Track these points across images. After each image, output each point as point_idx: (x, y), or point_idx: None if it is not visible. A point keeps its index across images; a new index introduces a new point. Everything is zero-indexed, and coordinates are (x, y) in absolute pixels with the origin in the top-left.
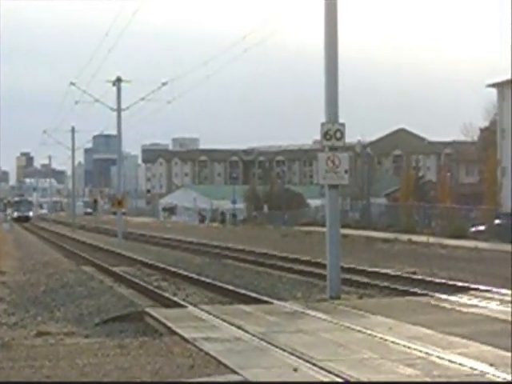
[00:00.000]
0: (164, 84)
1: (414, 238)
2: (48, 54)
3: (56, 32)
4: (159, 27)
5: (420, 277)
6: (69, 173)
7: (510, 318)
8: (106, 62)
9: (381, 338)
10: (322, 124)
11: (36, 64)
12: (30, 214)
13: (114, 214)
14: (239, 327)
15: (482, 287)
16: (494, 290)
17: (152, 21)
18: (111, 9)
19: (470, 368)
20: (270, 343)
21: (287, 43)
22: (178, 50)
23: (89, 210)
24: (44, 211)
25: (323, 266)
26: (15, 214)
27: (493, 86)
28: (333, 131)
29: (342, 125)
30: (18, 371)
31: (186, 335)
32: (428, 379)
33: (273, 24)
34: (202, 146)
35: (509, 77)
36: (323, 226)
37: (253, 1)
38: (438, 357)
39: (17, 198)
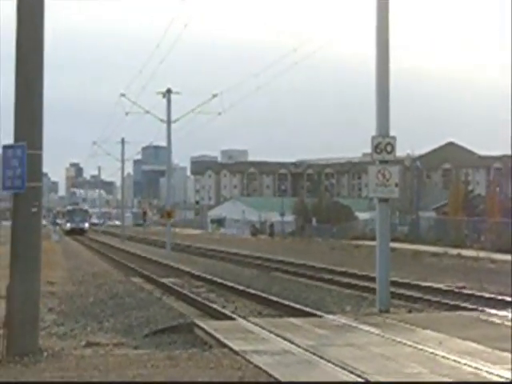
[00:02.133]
0: (214, 96)
1: (464, 252)
2: (99, 65)
3: (107, 43)
4: (210, 39)
5: (469, 291)
6: (118, 184)
7: None
8: (157, 74)
9: (430, 353)
10: (373, 137)
11: (87, 75)
12: (86, 225)
13: (163, 225)
14: (288, 340)
15: None
16: None
17: (203, 32)
18: (163, 19)
19: None
20: (319, 356)
21: (338, 55)
22: (229, 61)
23: (139, 222)
24: (95, 221)
25: (372, 280)
26: (68, 226)
27: None
28: (383, 144)
29: (393, 138)
30: (67, 382)
31: (235, 347)
32: None
33: (324, 36)
34: (250, 158)
35: None
36: (372, 239)
37: (305, 13)
38: (488, 372)
39: (70, 207)
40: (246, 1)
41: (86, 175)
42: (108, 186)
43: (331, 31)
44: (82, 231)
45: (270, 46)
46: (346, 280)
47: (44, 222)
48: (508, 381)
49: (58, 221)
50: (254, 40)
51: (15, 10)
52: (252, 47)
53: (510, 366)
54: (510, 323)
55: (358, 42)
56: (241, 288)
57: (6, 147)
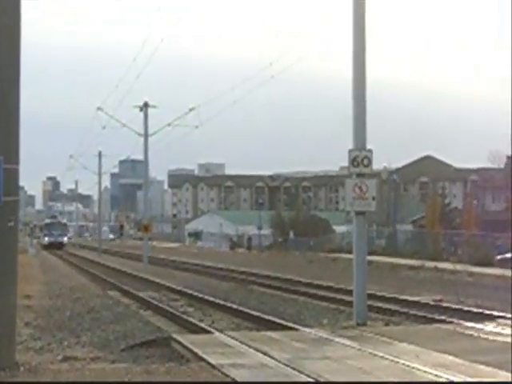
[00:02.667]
0: (191, 109)
1: (441, 265)
2: (75, 79)
3: (83, 56)
4: (186, 53)
5: (446, 304)
6: (95, 197)
7: None
8: (134, 88)
9: (407, 366)
10: (350, 151)
11: (63, 88)
12: (65, 239)
13: (140, 238)
14: (265, 353)
15: (508, 315)
16: None
17: (179, 46)
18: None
19: None
20: (296, 370)
21: (314, 69)
22: (205, 75)
23: (112, 236)
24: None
25: (349, 293)
26: (46, 240)
27: None
28: (360, 158)
29: (370, 151)
30: None
31: (212, 361)
32: None
33: (299, 50)
34: (227, 172)
35: None
36: (349, 252)
37: (279, 27)
38: None
39: (48, 221)
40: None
41: (63, 189)
42: (85, 199)
43: (308, 45)
44: (60, 245)
45: (247, 59)
46: (323, 293)
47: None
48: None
49: (36, 235)
50: (231, 54)
51: None
52: (228, 61)
53: (487, 380)
54: (488, 336)
55: (334, 56)
56: (218, 301)
57: None
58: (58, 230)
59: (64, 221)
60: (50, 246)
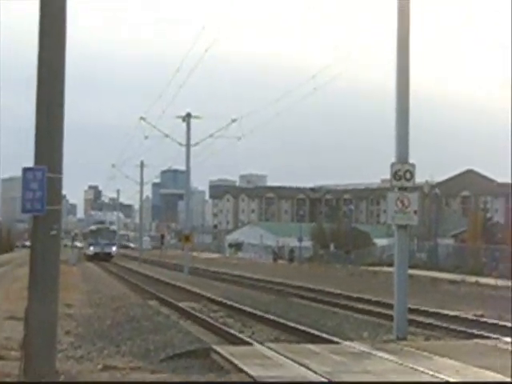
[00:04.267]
0: (234, 121)
1: (482, 280)
2: (119, 88)
3: (127, 65)
4: (230, 64)
5: (487, 320)
6: (136, 207)
7: None
8: (177, 97)
9: (447, 382)
10: (392, 164)
11: (107, 98)
12: (113, 249)
13: (181, 249)
14: (305, 366)
15: None
16: None
17: (224, 56)
18: (184, 43)
19: None
20: (336, 383)
21: (358, 81)
22: (249, 86)
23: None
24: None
25: (390, 307)
26: (91, 250)
27: None
28: (402, 171)
29: (412, 165)
30: None
31: (252, 373)
32: None
33: (343, 61)
34: (269, 183)
35: None
36: (389, 265)
37: (324, 39)
38: None
39: (94, 227)
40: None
41: (105, 198)
42: (126, 208)
43: (352, 56)
44: (108, 256)
45: (291, 69)
46: (363, 306)
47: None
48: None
49: (78, 243)
50: (274, 65)
51: (37, 34)
52: (272, 72)
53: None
54: None
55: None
56: (258, 313)
57: (26, 169)
58: (106, 239)
59: (113, 227)
60: (95, 257)
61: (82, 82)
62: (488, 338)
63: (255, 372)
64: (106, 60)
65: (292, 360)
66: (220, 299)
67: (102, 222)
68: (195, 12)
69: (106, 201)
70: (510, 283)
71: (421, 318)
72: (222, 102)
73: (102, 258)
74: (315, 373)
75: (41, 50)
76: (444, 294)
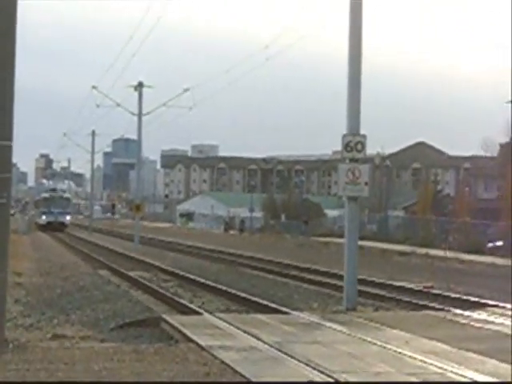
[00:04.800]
0: (186, 90)
1: (432, 251)
2: (71, 57)
3: (79, 34)
4: (182, 33)
5: (437, 291)
6: (87, 176)
7: None
8: (129, 67)
9: (397, 352)
10: (344, 136)
11: (58, 66)
12: (67, 218)
13: (132, 218)
14: (255, 336)
15: (498, 303)
16: (510, 306)
17: (175, 27)
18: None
19: None
20: (285, 353)
21: (309, 53)
22: (200, 56)
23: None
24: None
25: (340, 277)
26: (43, 219)
27: None
28: (354, 143)
29: (364, 137)
30: (33, 373)
31: (201, 343)
32: None
33: (295, 33)
34: (221, 153)
35: None
36: (340, 236)
37: (275, 9)
38: (454, 372)
39: (46, 195)
40: None
41: (56, 167)
42: (78, 177)
43: (303, 28)
44: (61, 226)
45: (243, 40)
46: (313, 277)
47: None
48: (471, 381)
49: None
50: (227, 34)
51: None
52: (224, 42)
53: (476, 367)
54: (477, 324)
55: (331, 39)
56: (208, 283)
57: None
58: (60, 207)
59: (67, 195)
60: (47, 227)
61: (34, 50)
62: (437, 309)
63: (204, 342)
64: (58, 27)
65: (242, 330)
66: (171, 269)
67: (54, 190)
68: None
69: (58, 169)
70: (458, 255)
71: (370, 289)
72: (174, 72)
73: (55, 227)
74: (265, 343)
75: None
76: (394, 265)
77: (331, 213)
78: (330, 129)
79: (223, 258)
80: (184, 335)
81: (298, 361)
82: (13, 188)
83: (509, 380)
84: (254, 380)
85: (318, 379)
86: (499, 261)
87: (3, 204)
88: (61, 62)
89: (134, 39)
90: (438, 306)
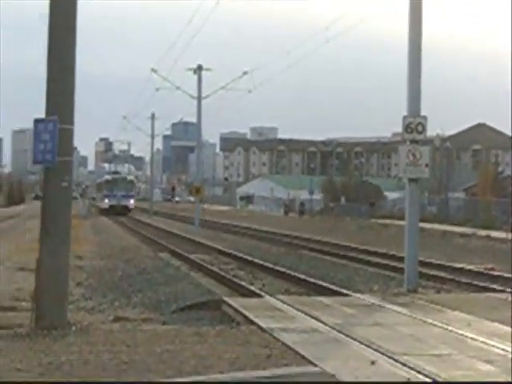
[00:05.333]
0: (245, 73)
1: (493, 233)
2: (130, 40)
3: (139, 17)
4: (242, 16)
5: (498, 273)
6: (147, 159)
7: None
8: (188, 50)
9: (459, 334)
10: (404, 117)
11: (118, 50)
12: (131, 202)
13: (192, 202)
14: (316, 318)
15: None
16: None
17: (235, 9)
18: None
19: None
20: (347, 335)
21: (370, 34)
22: (260, 39)
23: (168, 197)
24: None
25: (400, 260)
26: (106, 202)
27: None
28: (414, 124)
29: (424, 118)
30: (96, 356)
31: (263, 325)
32: (507, 377)
33: (356, 14)
34: (280, 136)
35: None
36: (400, 218)
37: None
38: None
39: (109, 177)
40: None
41: (116, 150)
42: (137, 161)
43: (363, 9)
44: (125, 210)
45: (303, 22)
46: (374, 259)
47: (74, 194)
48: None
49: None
50: (287, 17)
51: None
52: (284, 25)
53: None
54: None
55: (391, 21)
56: (269, 265)
57: (37, 121)
58: (123, 190)
59: (130, 177)
60: (110, 211)
61: (94, 34)
62: (499, 291)
63: (266, 324)
64: (117, 10)
65: (303, 312)
66: (230, 251)
67: (117, 172)
68: None
69: (117, 153)
70: None
71: (432, 271)
72: (233, 55)
73: (118, 211)
74: (326, 325)
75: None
76: (455, 247)
77: (391, 195)
78: (390, 111)
79: (283, 241)
80: (245, 317)
81: (360, 343)
82: (74, 172)
83: None
84: (317, 363)
85: (380, 361)
86: None
87: (65, 187)
88: (121, 44)
89: (193, 22)
90: (499, 288)
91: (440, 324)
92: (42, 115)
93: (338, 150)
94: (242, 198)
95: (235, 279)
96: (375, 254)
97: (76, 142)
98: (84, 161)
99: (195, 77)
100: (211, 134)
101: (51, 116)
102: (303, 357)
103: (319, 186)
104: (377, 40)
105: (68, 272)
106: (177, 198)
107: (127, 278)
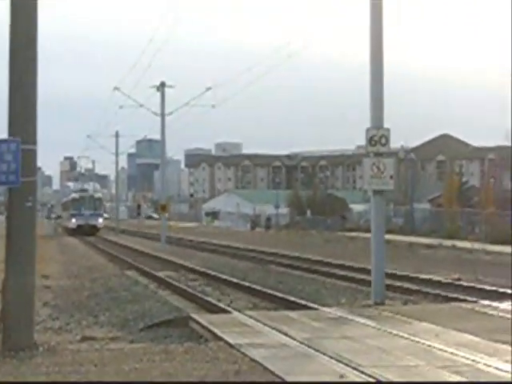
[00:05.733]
0: (208, 89)
1: (458, 243)
2: (92, 59)
3: (100, 37)
4: (203, 33)
5: (464, 283)
6: (112, 177)
7: None
8: (150, 68)
9: (427, 345)
10: (367, 129)
11: (80, 69)
12: (100, 221)
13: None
14: (284, 333)
15: None
16: None
17: (197, 27)
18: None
19: None
20: (315, 349)
21: (331, 49)
22: (222, 56)
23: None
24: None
25: (367, 272)
26: (73, 222)
27: None
28: (378, 137)
29: (387, 130)
30: (64, 376)
31: (231, 341)
32: None
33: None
34: (244, 151)
35: None
36: (366, 231)
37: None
38: (485, 364)
39: (76, 195)
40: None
41: (80, 169)
42: (102, 179)
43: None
44: (93, 229)
45: (263, 42)
46: (340, 272)
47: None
48: (508, 374)
49: (54, 215)
50: (248, 37)
51: (9, 5)
52: (245, 43)
53: (507, 358)
54: (506, 315)
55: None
56: (236, 281)
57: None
58: (91, 208)
59: (98, 194)
60: (78, 231)
61: (56, 54)
62: (465, 301)
63: (234, 340)
64: (81, 31)
65: (271, 327)
66: (198, 268)
67: (84, 190)
68: None
69: (82, 171)
70: (485, 246)
71: (398, 283)
72: (196, 72)
73: (86, 231)
74: (294, 339)
75: (13, 20)
76: (421, 258)
77: (356, 207)
78: (353, 124)
79: (250, 256)
80: (213, 334)
81: (328, 356)
82: (38, 192)
83: None
84: (286, 378)
85: (349, 375)
86: None
87: (29, 207)
88: (84, 64)
89: (154, 40)
90: (466, 298)
91: (407, 335)
92: (5, 136)
93: (302, 163)
94: (207, 214)
95: (203, 296)
96: (342, 266)
97: (40, 162)
98: (49, 180)
99: (158, 94)
100: (176, 151)
101: (13, 136)
102: (272, 372)
103: (285, 200)
104: (339, 55)
105: (34, 292)
106: (142, 216)
107: (94, 297)
